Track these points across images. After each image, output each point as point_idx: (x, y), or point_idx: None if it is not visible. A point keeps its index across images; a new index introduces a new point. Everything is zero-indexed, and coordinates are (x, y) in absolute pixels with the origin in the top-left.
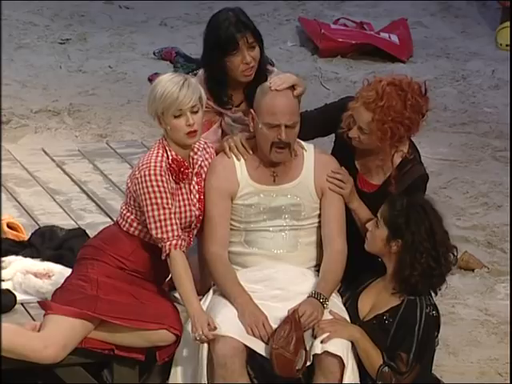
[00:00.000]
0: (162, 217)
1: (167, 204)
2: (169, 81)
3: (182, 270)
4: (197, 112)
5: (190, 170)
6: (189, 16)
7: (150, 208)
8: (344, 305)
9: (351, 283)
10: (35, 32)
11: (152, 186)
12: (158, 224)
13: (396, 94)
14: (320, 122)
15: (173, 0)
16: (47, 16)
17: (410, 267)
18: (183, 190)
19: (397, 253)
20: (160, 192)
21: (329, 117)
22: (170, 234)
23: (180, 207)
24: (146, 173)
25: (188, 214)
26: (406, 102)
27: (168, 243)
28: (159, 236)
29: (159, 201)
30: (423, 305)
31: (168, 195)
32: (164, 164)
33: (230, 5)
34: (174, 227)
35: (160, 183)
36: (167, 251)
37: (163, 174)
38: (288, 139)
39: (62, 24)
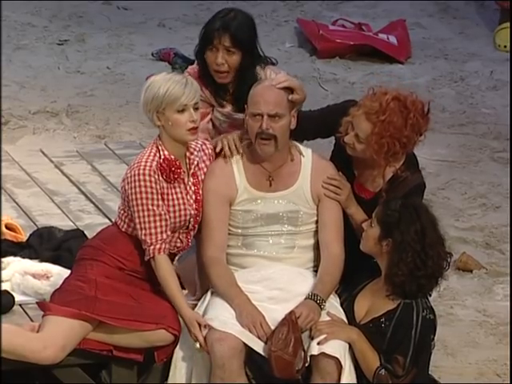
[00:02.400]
0: (147, 218)
1: (152, 205)
2: (170, 79)
3: (166, 274)
4: (197, 109)
5: (183, 169)
6: (187, 17)
7: (136, 209)
8: (341, 306)
9: (349, 285)
10: (33, 33)
11: (140, 186)
12: (143, 225)
13: (399, 111)
14: (321, 123)
15: (171, 1)
16: (45, 17)
17: (396, 266)
18: (177, 190)
19: (387, 253)
20: (147, 193)
21: (330, 118)
22: (154, 238)
23: (174, 206)
24: (136, 172)
25: (183, 213)
26: (407, 121)
27: (152, 247)
28: (143, 238)
29: (144, 201)
30: (419, 308)
31: (155, 196)
32: (154, 164)
33: (229, 5)
34: (158, 230)
35: (148, 183)
36: (150, 255)
37: (152, 174)
38: (272, 131)
39: (60, 25)
